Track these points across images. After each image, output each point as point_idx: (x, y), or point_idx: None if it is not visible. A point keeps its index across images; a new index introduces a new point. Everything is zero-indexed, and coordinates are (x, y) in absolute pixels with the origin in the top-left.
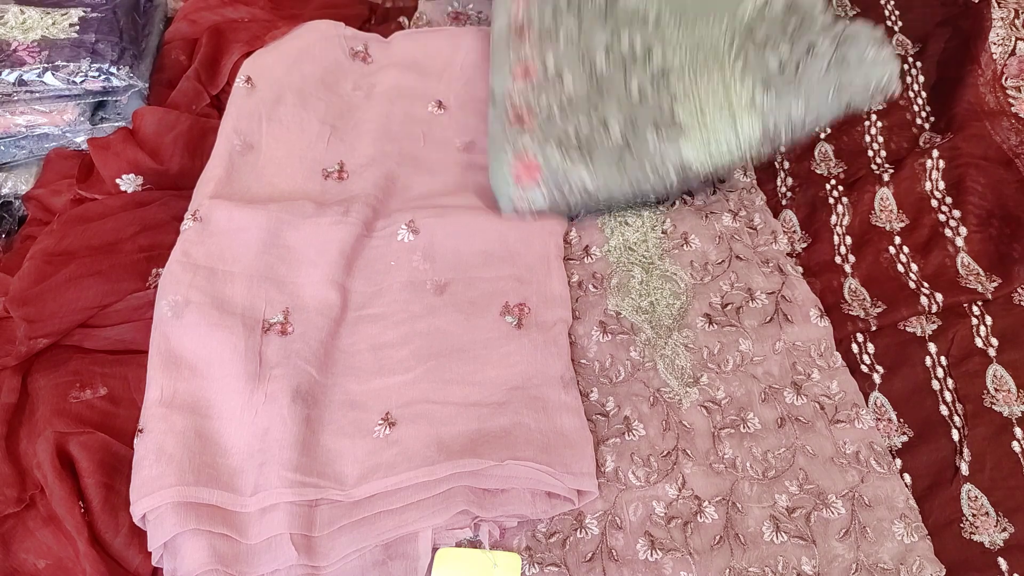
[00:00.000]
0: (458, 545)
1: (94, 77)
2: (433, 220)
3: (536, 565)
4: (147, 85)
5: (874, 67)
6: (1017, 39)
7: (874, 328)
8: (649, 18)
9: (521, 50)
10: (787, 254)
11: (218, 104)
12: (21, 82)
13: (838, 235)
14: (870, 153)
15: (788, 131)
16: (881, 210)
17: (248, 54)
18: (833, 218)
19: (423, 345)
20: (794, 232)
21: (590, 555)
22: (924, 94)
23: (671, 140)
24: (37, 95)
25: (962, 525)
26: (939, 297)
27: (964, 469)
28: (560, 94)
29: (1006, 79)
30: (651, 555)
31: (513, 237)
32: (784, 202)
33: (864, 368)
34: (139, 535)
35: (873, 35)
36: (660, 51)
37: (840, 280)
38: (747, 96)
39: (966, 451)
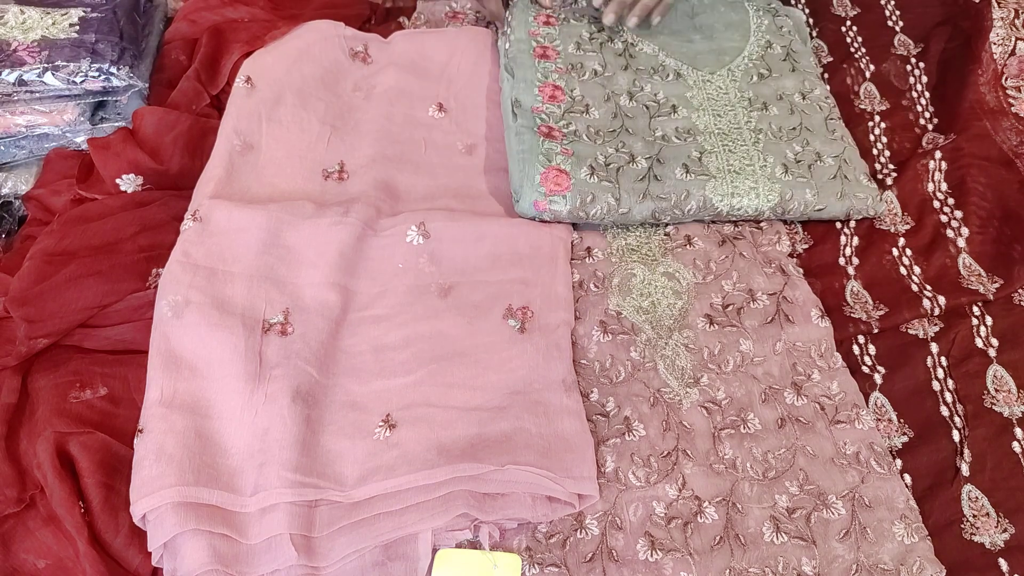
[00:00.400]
0: (458, 546)
1: (94, 77)
2: (443, 224)
3: (536, 566)
4: (147, 85)
5: (870, 190)
6: (1017, 39)
7: (876, 331)
8: (668, 71)
9: (548, 70)
10: (788, 255)
11: (218, 104)
12: (21, 82)
13: (845, 236)
14: (874, 152)
15: (801, 207)
16: (886, 213)
17: (248, 54)
18: (838, 221)
19: (425, 348)
20: (796, 233)
21: (590, 555)
22: (927, 94)
23: (698, 177)
24: (37, 95)
25: (963, 526)
26: (941, 300)
27: (964, 470)
28: (587, 122)
29: (1006, 79)
30: (651, 555)
31: (523, 241)
32: None
33: (865, 369)
34: (139, 535)
35: (864, 168)
36: (686, 113)
37: (842, 282)
38: (770, 169)
39: (966, 452)
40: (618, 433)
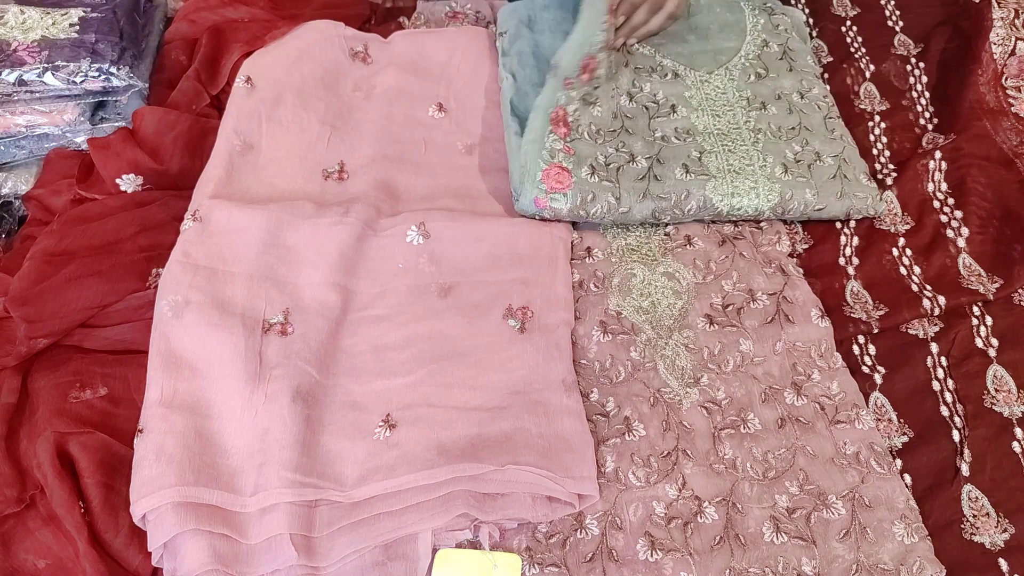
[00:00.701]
0: (458, 546)
1: (94, 77)
2: (443, 224)
3: (536, 566)
4: (147, 85)
5: (870, 189)
6: (1017, 39)
7: (876, 331)
8: (666, 71)
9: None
10: (788, 255)
11: (218, 104)
12: (21, 82)
13: (845, 236)
14: (874, 152)
15: (801, 207)
16: (886, 213)
17: (248, 54)
18: (838, 221)
19: (425, 348)
20: (796, 233)
21: (590, 555)
22: (927, 94)
23: (698, 177)
24: (37, 95)
25: (963, 526)
26: (941, 300)
27: (964, 470)
28: (591, 119)
29: (1006, 79)
30: (651, 555)
31: (523, 241)
32: None
33: (865, 369)
34: (139, 535)
35: (864, 167)
36: (685, 113)
37: (842, 282)
38: (770, 169)
39: (966, 452)
40: (618, 433)
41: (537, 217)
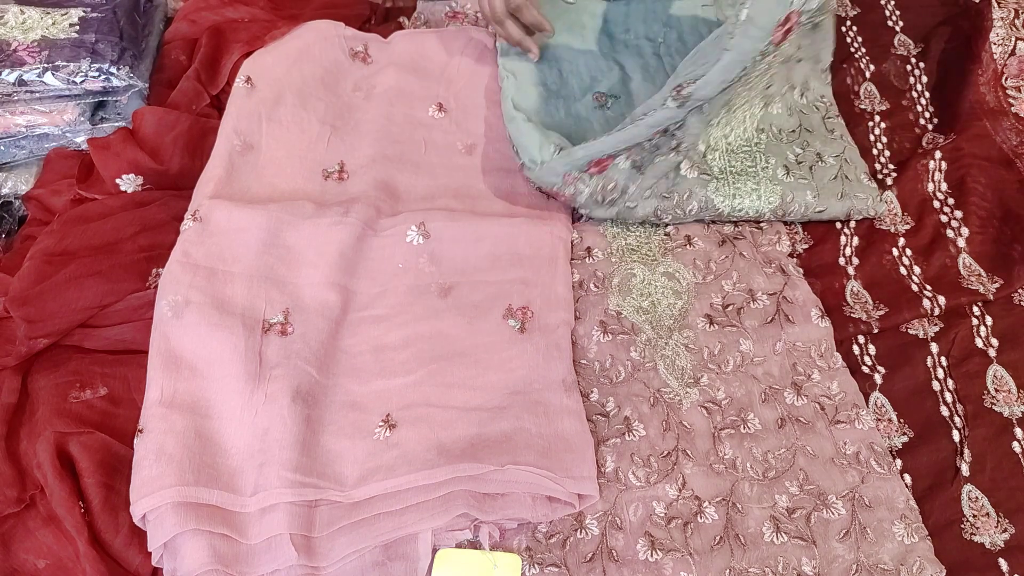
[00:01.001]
0: (458, 546)
1: (94, 77)
2: (443, 224)
3: (536, 566)
4: (147, 85)
5: (871, 190)
6: (1017, 39)
7: (876, 331)
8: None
9: None
10: (788, 255)
11: (218, 104)
12: (21, 82)
13: (845, 236)
14: (874, 152)
15: (801, 208)
16: (886, 213)
17: (248, 54)
18: (838, 221)
19: (425, 348)
20: (796, 233)
21: (590, 555)
22: (927, 94)
23: (701, 176)
24: (37, 95)
25: (963, 526)
26: (941, 300)
27: (965, 470)
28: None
29: (1006, 79)
30: (651, 555)
31: (523, 241)
32: None
33: (865, 369)
34: (139, 535)
35: (864, 167)
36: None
37: (842, 282)
38: (772, 170)
39: (967, 452)
40: (618, 433)
41: (552, 188)
